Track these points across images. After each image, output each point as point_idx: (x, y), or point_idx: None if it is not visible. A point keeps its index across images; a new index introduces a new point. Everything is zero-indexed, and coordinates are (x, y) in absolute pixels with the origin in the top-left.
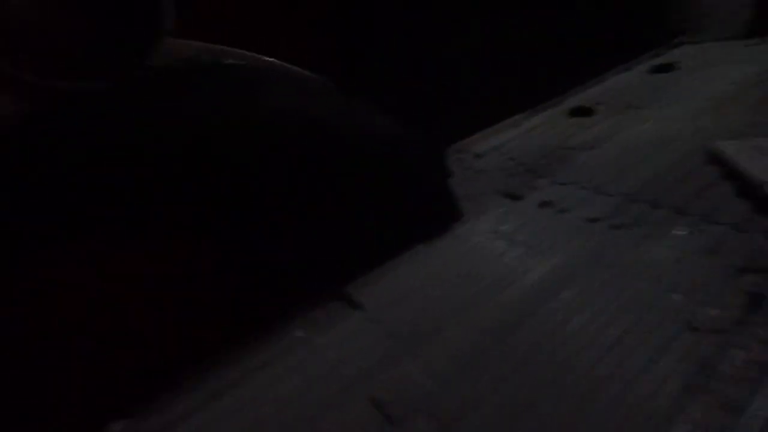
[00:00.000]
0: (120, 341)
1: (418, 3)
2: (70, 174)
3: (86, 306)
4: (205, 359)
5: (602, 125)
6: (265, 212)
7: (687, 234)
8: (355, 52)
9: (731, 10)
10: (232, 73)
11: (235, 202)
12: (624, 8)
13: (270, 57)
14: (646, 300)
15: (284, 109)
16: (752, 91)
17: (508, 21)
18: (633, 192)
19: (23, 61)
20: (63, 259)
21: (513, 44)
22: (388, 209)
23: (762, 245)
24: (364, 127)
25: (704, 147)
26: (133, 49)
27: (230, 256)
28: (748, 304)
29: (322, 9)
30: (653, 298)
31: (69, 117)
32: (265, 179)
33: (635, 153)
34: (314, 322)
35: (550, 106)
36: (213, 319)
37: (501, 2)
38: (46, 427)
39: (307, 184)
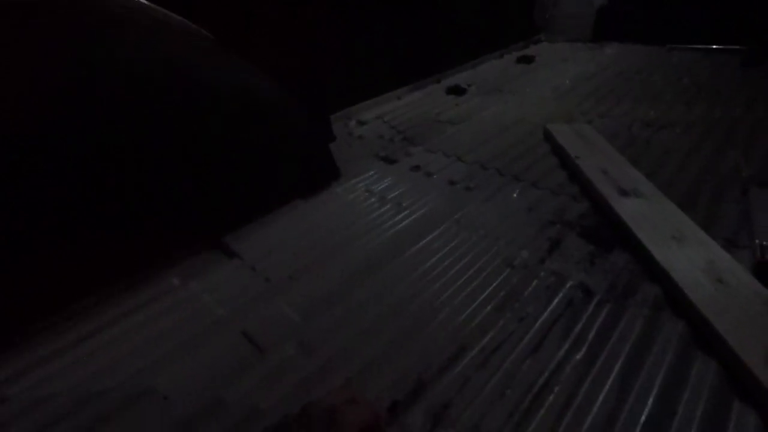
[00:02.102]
0: None
1: None
2: None
3: None
4: (76, 305)
5: (471, 103)
6: (139, 159)
7: (517, 196)
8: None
9: (580, 17)
10: (97, 13)
11: (103, 147)
12: (500, 2)
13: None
14: (482, 246)
15: (157, 58)
16: (586, 84)
17: (400, 8)
18: (485, 161)
19: None
20: None
21: (403, 26)
22: (266, 164)
23: (567, 205)
24: (248, 86)
25: (543, 128)
26: None
27: (100, 202)
28: (549, 248)
29: None
30: (486, 245)
31: None
32: (136, 127)
33: (491, 129)
34: (190, 270)
35: (430, 83)
36: (84, 264)
37: None
38: None
39: (182, 134)
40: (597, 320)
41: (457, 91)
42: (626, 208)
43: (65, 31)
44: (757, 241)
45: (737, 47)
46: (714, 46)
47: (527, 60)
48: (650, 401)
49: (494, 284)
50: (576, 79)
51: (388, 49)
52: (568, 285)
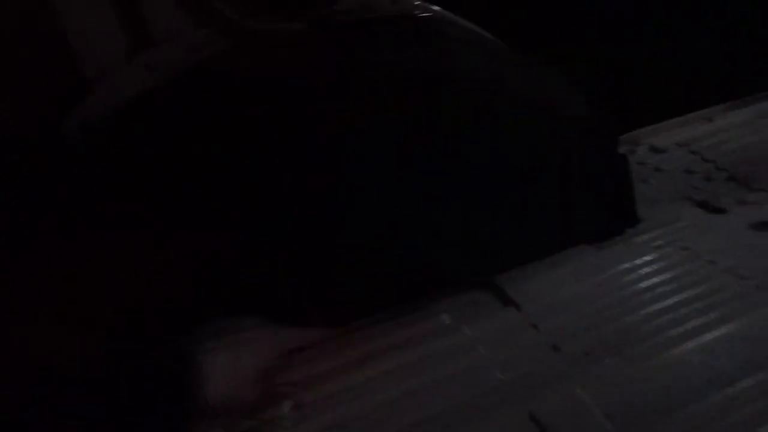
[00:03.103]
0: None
1: None
2: None
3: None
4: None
5: None
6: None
7: None
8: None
9: None
10: (422, 27)
11: (404, 166)
12: None
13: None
14: None
15: (471, 71)
16: None
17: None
18: None
19: (231, 1)
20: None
21: (716, 26)
22: (559, 196)
23: None
24: (552, 101)
25: None
26: None
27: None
28: None
29: None
30: None
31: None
32: (445, 141)
33: None
34: (460, 310)
35: (760, 100)
36: (358, 286)
37: None
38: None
39: (476, 154)
40: None
41: None
42: None
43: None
44: None
45: None
46: None
47: None
48: None
49: None
50: None
51: (693, 50)
52: None
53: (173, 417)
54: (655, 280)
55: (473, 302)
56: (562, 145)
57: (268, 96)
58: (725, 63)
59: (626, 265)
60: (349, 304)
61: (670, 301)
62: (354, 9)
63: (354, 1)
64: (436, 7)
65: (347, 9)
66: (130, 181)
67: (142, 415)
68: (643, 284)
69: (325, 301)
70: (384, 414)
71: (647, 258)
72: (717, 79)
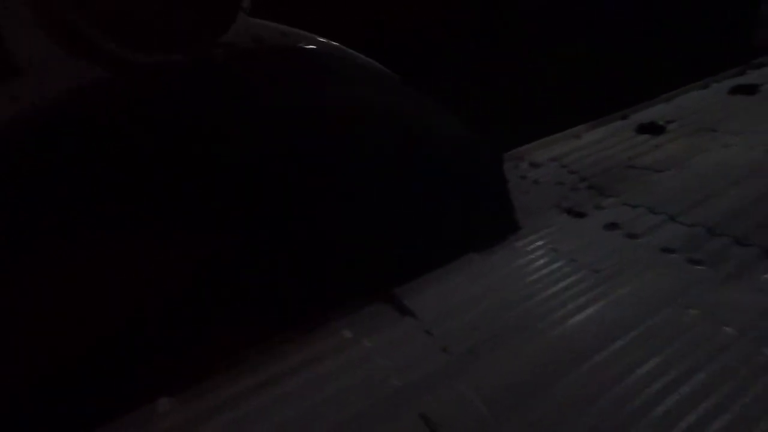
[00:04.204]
0: (170, 322)
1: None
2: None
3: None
4: (251, 349)
5: (674, 145)
6: (318, 204)
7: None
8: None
9: None
10: (308, 59)
11: (288, 193)
12: (705, 22)
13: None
14: (740, 349)
15: (356, 101)
16: None
17: (579, 31)
18: (713, 224)
19: (106, 30)
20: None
21: (580, 53)
22: (445, 213)
23: None
24: (435, 126)
25: None
26: (210, 25)
27: (276, 248)
28: None
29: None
30: (745, 348)
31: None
32: (328, 171)
33: (716, 181)
34: (362, 324)
35: (615, 119)
36: (256, 308)
37: (577, 17)
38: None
39: (367, 179)
40: None
41: (652, 129)
42: None
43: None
44: None
45: None
46: None
47: (748, 90)
48: None
49: None
50: None
51: (564, 78)
52: None
53: None
54: (530, 279)
55: (373, 315)
56: (446, 166)
57: (145, 128)
58: (592, 86)
59: (507, 269)
60: (245, 330)
61: (542, 296)
62: (241, 41)
63: (242, 33)
64: (325, 41)
65: (233, 41)
66: None
67: None
68: (521, 283)
69: (220, 330)
70: None
71: (524, 260)
72: (585, 100)
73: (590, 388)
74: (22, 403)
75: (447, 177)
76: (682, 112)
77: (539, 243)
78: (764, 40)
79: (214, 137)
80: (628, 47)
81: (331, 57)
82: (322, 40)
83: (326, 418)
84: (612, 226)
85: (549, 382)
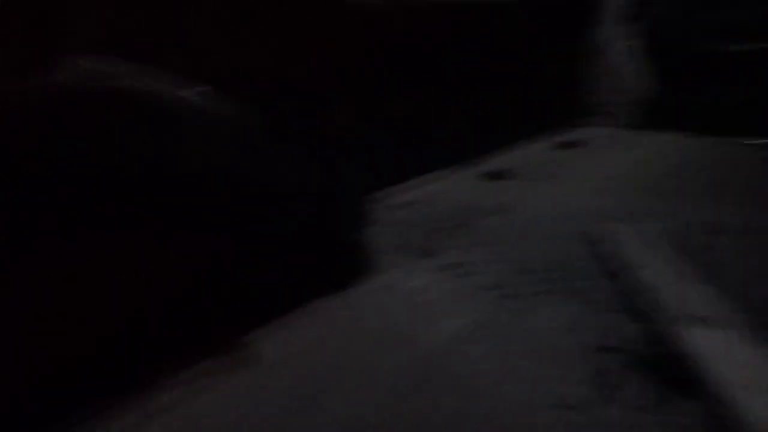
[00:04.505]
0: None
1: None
2: None
3: None
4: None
5: (511, 193)
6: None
7: (562, 309)
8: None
9: (631, 101)
10: (126, 103)
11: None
12: (540, 84)
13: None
14: (523, 376)
15: (185, 153)
16: (640, 176)
17: (433, 87)
18: (526, 262)
19: None
20: None
21: (435, 108)
22: (301, 260)
23: (621, 326)
24: (279, 175)
25: (592, 227)
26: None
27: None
28: (601, 384)
29: None
30: (528, 375)
31: None
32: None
33: (534, 225)
34: (207, 372)
35: (469, 166)
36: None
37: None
38: None
39: (203, 230)
40: None
41: (496, 177)
42: (699, 340)
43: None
44: None
45: None
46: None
47: (574, 145)
48: None
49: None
50: (629, 169)
51: (424, 127)
52: None
53: None
54: (372, 324)
55: (221, 362)
56: (298, 212)
57: None
58: (449, 133)
59: (355, 312)
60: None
61: (379, 336)
62: (84, 79)
63: (91, 70)
64: (184, 87)
65: (70, 78)
66: None
67: None
68: (365, 326)
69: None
70: None
71: (371, 304)
72: (440, 148)
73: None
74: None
75: (299, 224)
76: (522, 161)
77: (387, 285)
78: (590, 104)
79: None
80: (477, 103)
81: (176, 103)
82: (163, 79)
83: None
84: (450, 266)
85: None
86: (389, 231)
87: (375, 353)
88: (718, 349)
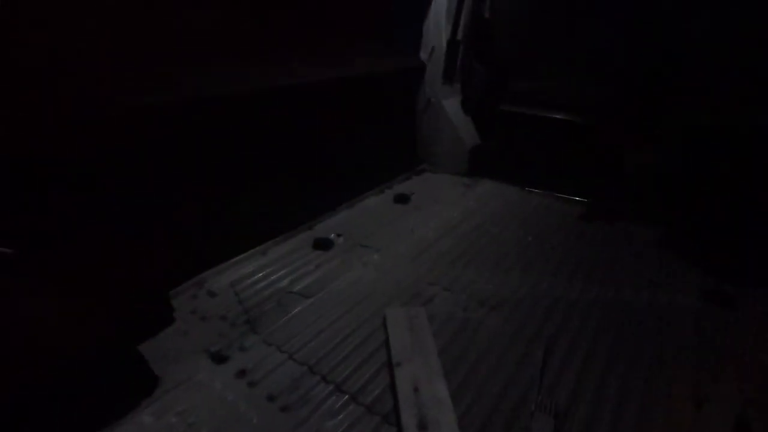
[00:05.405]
0: None
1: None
2: None
3: None
4: None
5: (331, 264)
6: None
7: (332, 419)
8: None
9: (457, 153)
10: None
11: None
12: (383, 137)
13: None
14: None
15: None
16: (446, 239)
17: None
18: (315, 361)
19: None
20: None
21: (272, 166)
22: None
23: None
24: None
25: (384, 311)
26: None
27: None
28: None
29: None
30: None
31: None
32: None
33: (337, 308)
34: None
35: (302, 231)
36: None
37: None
38: None
39: None
40: None
41: (323, 245)
42: None
43: None
44: None
45: (581, 199)
46: (563, 195)
47: (404, 199)
48: None
49: None
50: (439, 231)
51: (252, 192)
52: None
53: None
54: None
55: None
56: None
57: None
58: (281, 197)
59: None
60: None
61: None
62: None
63: None
64: None
65: None
66: None
67: None
68: None
69: None
70: None
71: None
72: (273, 213)
73: None
74: None
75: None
76: (354, 221)
77: (171, 407)
78: (423, 155)
79: None
80: (317, 160)
81: None
82: None
83: None
84: (240, 373)
85: None
86: (199, 326)
87: None
88: None
